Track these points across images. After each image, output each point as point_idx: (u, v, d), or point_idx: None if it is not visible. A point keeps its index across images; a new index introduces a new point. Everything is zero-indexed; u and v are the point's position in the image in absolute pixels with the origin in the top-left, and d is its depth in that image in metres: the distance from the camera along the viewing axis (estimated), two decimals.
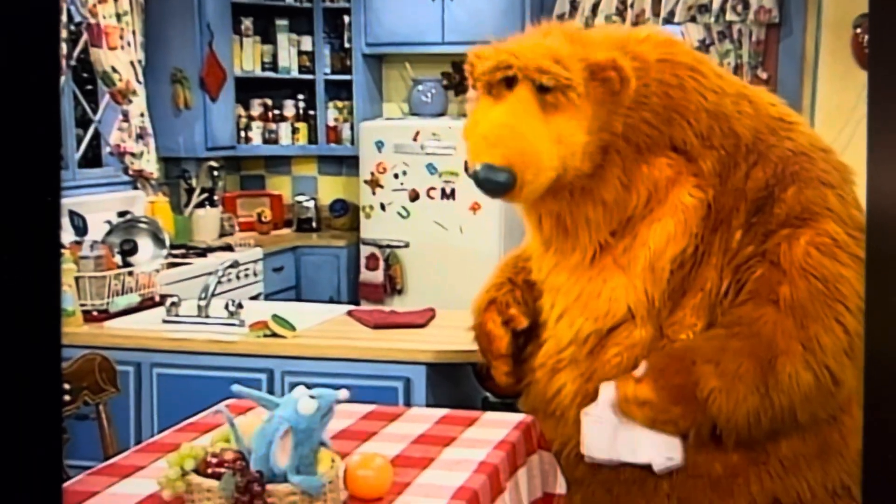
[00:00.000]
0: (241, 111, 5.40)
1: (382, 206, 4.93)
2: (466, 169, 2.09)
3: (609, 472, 2.08)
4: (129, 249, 3.60)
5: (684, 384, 1.97)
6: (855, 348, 1.93)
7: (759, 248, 2.03)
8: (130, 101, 4.58)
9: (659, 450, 2.01)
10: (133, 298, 3.37)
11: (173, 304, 3.29)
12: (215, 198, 5.15)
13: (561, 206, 2.06)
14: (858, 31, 4.49)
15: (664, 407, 1.98)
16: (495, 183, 1.94)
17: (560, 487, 2.14)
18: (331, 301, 4.89)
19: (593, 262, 2.11)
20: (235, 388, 1.69)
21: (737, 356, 1.94)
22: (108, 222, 3.80)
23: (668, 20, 4.79)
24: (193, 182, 5.12)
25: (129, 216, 3.99)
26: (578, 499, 2.15)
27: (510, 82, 2.00)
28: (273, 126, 5.46)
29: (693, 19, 4.76)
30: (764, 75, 4.72)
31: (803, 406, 1.95)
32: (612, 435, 2.04)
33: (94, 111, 4.80)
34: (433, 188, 4.83)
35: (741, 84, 2.25)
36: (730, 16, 4.67)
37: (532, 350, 2.28)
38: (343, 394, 1.66)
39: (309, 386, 1.69)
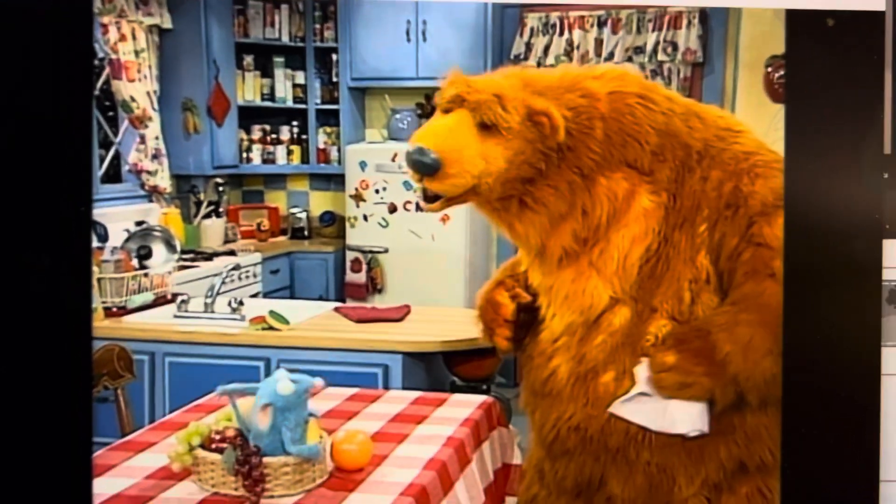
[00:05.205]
0: (243, 135, 5.38)
1: (365, 217, 4.91)
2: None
3: (598, 442, 2.08)
4: (144, 254, 3.57)
5: (703, 348, 1.97)
6: None
7: (744, 236, 2.04)
8: (147, 126, 4.54)
9: (692, 421, 2.01)
10: (148, 297, 3.34)
11: (183, 301, 3.27)
12: (220, 210, 5.13)
13: (542, 235, 2.08)
14: (769, 70, 4.55)
15: (688, 368, 1.97)
16: (421, 162, 1.94)
17: (516, 458, 2.14)
18: (320, 299, 4.86)
19: (574, 266, 2.12)
20: (219, 388, 1.65)
21: (749, 326, 1.95)
22: (127, 230, 3.77)
23: (608, 60, 4.83)
24: (201, 196, 5.09)
25: (144, 225, 3.96)
26: (572, 467, 2.14)
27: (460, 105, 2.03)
28: (271, 148, 5.45)
29: (630, 59, 4.80)
30: None
31: None
32: (653, 409, 2.03)
33: (115, 134, 4.75)
34: (409, 202, 4.82)
35: (691, 103, 2.23)
36: (661, 56, 4.71)
37: (528, 340, 2.28)
38: (319, 382, 1.65)
39: (296, 371, 1.68)
